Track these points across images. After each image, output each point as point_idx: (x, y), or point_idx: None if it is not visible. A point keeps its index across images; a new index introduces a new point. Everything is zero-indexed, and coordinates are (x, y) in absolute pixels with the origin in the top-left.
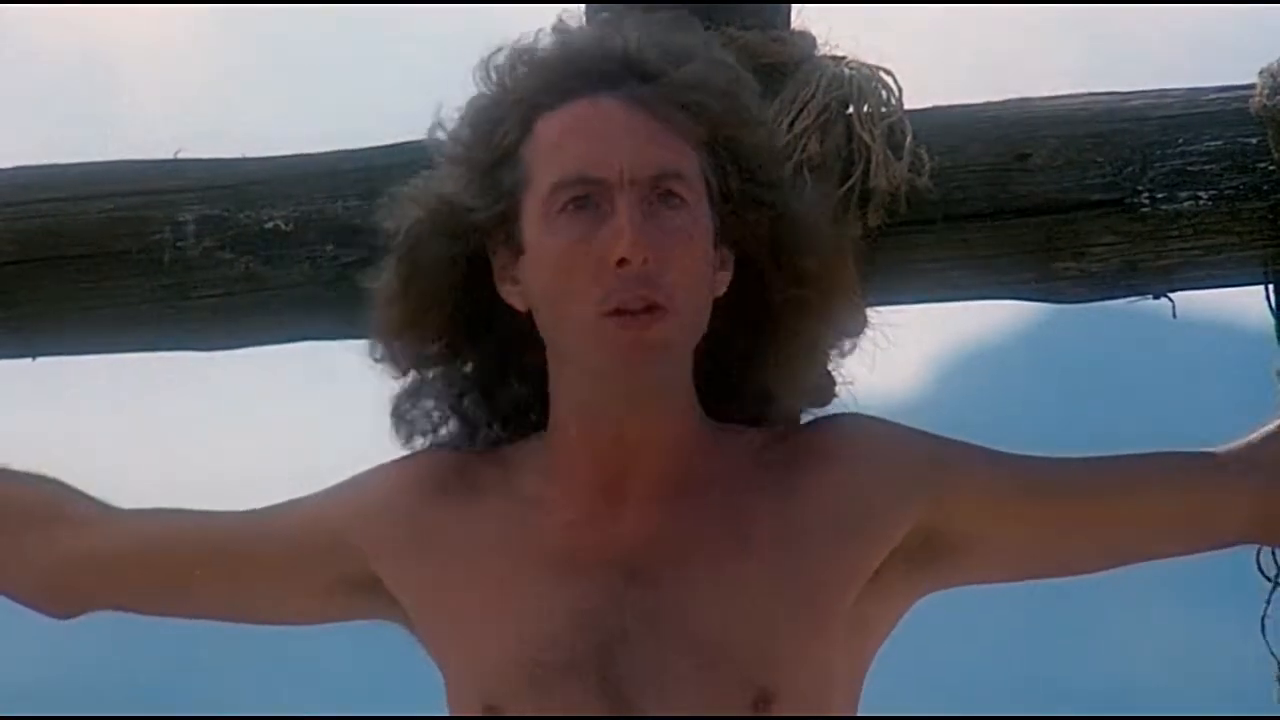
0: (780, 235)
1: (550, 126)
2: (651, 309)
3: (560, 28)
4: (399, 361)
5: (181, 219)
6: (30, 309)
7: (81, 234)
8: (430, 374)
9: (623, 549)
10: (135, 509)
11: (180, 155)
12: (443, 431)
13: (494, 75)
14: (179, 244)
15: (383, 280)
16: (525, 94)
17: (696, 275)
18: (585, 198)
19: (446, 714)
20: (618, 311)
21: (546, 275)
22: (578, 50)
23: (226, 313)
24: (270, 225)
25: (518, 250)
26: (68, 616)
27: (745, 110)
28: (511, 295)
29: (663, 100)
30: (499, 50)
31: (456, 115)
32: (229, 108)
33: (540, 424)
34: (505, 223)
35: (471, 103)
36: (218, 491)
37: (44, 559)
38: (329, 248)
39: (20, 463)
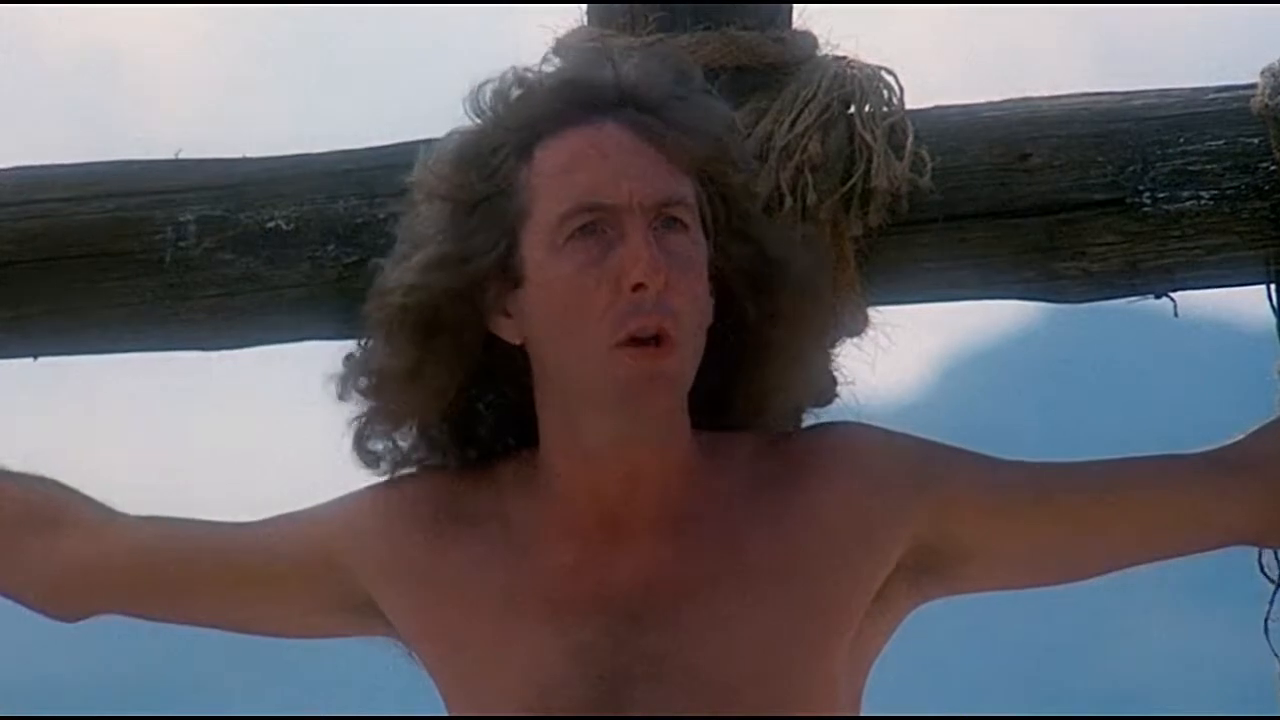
0: (759, 274)
1: (552, 153)
2: (661, 339)
3: (547, 59)
4: (394, 418)
5: (182, 219)
6: (31, 309)
7: (83, 234)
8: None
9: (623, 590)
10: (137, 515)
11: (181, 155)
12: (414, 458)
13: (484, 107)
14: (180, 244)
15: (388, 349)
16: (522, 120)
17: (699, 302)
18: (593, 224)
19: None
20: (630, 341)
21: (556, 304)
22: (572, 78)
23: (227, 313)
24: (271, 225)
25: (514, 282)
26: (70, 620)
27: (733, 149)
28: (505, 328)
29: (661, 129)
30: (486, 82)
31: (439, 146)
32: (230, 108)
33: (519, 445)
34: (504, 255)
35: (459, 134)
36: (217, 491)
37: (46, 563)
38: (329, 248)
39: (21, 464)
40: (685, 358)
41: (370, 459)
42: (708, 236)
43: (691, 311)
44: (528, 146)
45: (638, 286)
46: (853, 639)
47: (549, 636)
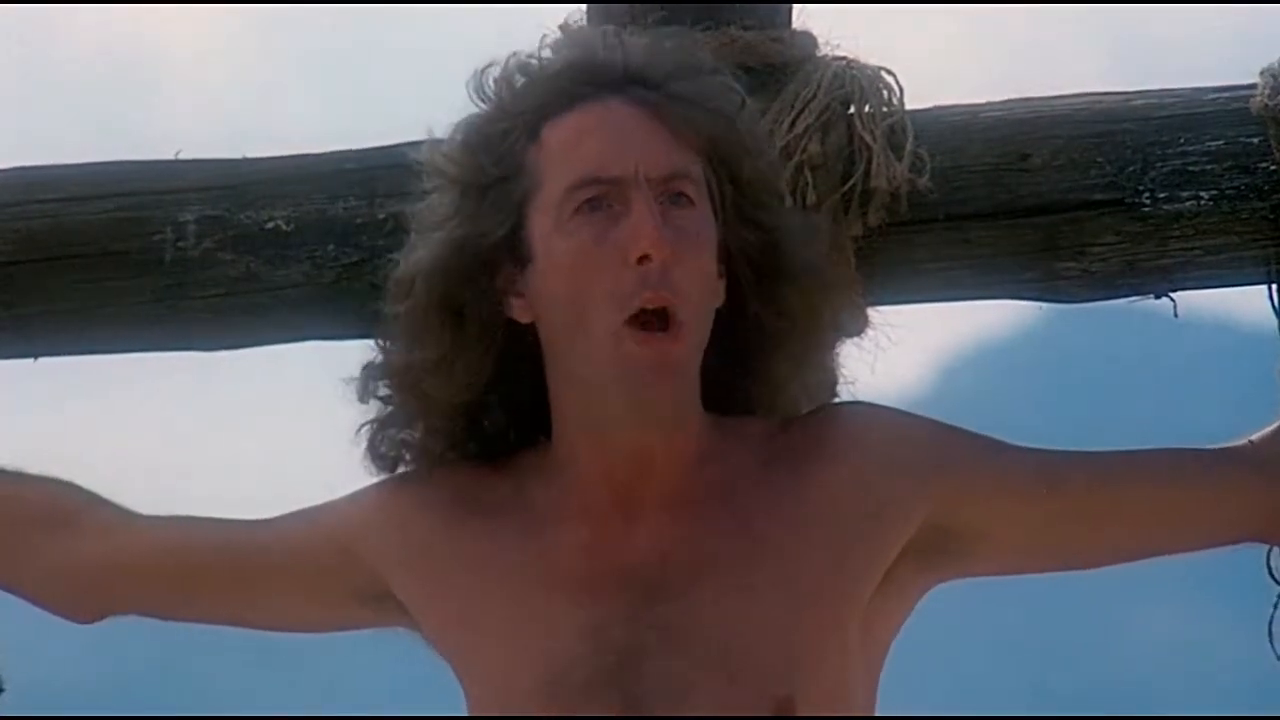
0: (765, 264)
1: (559, 131)
2: (667, 321)
3: (554, 39)
4: (424, 411)
5: (182, 219)
6: (31, 309)
7: (82, 234)
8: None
9: (637, 565)
10: (152, 515)
11: (180, 155)
12: (430, 453)
13: (491, 90)
14: (179, 244)
15: (415, 342)
16: (530, 102)
17: (706, 280)
18: (599, 199)
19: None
20: (639, 318)
21: (563, 280)
22: (580, 58)
23: (227, 313)
24: (270, 225)
25: (523, 261)
26: (86, 621)
27: (745, 134)
28: (517, 309)
29: (667, 105)
30: (490, 65)
31: (450, 132)
32: (230, 108)
33: (534, 434)
34: (512, 235)
35: (468, 120)
36: (218, 491)
37: (63, 564)
38: (329, 248)
39: (33, 466)
40: (691, 343)
41: (385, 462)
42: (718, 218)
43: (699, 291)
44: (535, 127)
45: (643, 258)
46: (864, 616)
47: (564, 614)
